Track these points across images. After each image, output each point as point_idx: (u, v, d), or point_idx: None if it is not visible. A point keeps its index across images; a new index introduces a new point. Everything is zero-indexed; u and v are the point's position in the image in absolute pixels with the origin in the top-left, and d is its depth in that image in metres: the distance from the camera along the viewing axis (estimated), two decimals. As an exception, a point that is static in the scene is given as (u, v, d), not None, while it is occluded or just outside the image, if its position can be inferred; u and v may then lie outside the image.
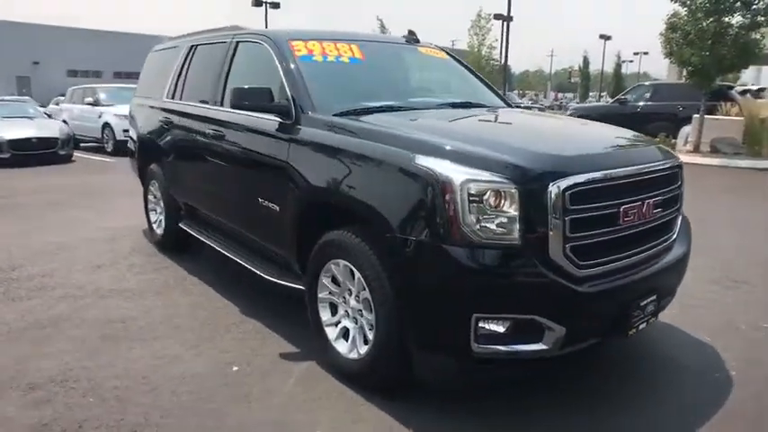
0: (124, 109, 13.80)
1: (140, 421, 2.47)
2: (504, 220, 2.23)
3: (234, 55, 3.86)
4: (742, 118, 12.67)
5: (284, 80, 3.22)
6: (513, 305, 2.25)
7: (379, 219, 2.44)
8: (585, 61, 62.43)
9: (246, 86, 3.16)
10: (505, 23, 34.19)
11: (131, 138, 5.56)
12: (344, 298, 2.82)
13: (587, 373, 2.93)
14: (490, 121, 3.34)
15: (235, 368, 2.96)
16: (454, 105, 3.55)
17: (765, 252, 5.23)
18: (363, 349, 2.68)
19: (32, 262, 4.71)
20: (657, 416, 2.55)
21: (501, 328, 2.28)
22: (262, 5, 37.13)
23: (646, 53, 64.84)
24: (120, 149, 12.95)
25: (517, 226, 2.22)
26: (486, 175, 2.23)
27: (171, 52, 5.04)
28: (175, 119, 4.44)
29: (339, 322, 2.87)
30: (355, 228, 2.65)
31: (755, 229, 6.23)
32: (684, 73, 12.97)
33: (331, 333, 2.89)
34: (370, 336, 2.62)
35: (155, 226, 5.17)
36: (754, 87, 18.94)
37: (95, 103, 14.19)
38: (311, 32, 3.65)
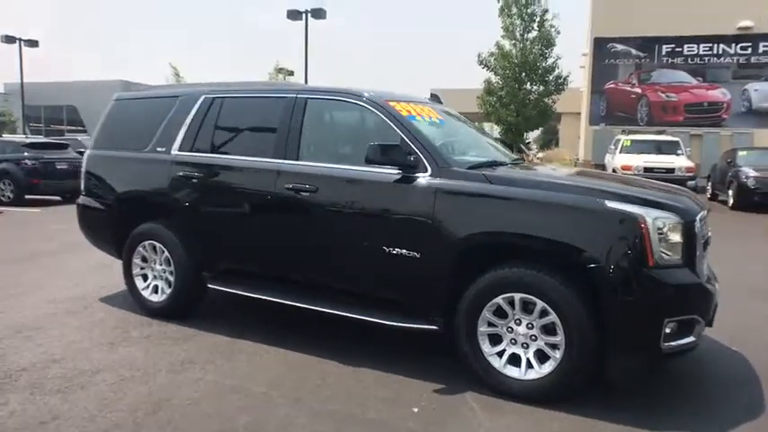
0: None
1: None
2: (674, 246, 2.97)
3: (304, 112, 3.93)
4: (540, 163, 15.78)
5: (406, 138, 3.50)
6: (688, 308, 3.00)
7: (577, 253, 2.96)
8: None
9: (384, 143, 3.38)
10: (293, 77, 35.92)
11: (97, 195, 4.89)
12: (510, 327, 3.21)
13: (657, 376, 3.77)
14: (596, 175, 4.12)
15: (415, 410, 3.08)
16: (515, 163, 4.20)
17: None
18: (546, 368, 3.10)
19: (5, 351, 3.84)
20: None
21: (671, 329, 2.98)
22: (15, 42, 32.56)
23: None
24: None
25: (681, 249, 2.99)
26: (663, 214, 2.96)
27: (159, 103, 4.71)
28: (211, 173, 4.19)
29: (504, 350, 3.24)
30: (530, 263, 3.11)
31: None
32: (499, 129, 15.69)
33: (496, 362, 3.23)
34: (557, 354, 3.06)
35: (146, 293, 4.61)
36: (527, 140, 23.51)
37: None
38: (388, 94, 3.97)
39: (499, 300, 3.18)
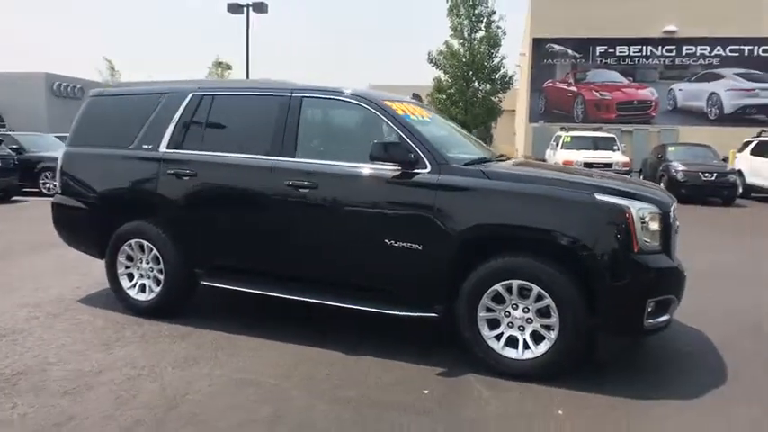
0: None
1: None
2: (653, 233, 3.32)
3: (300, 110, 4.03)
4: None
5: (405, 137, 3.69)
6: (667, 289, 3.37)
7: (571, 241, 3.25)
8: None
9: (387, 141, 3.56)
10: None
11: (76, 193, 4.76)
12: (507, 312, 3.47)
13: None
14: (578, 171, 4.44)
15: (425, 391, 3.28)
16: (499, 160, 4.47)
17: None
18: (541, 348, 3.39)
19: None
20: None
21: (651, 308, 3.33)
22: None
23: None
24: None
25: (659, 237, 3.35)
26: (645, 205, 3.31)
27: (142, 100, 4.67)
28: (205, 170, 4.21)
29: (502, 333, 3.49)
30: (526, 252, 3.38)
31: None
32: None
33: (495, 344, 3.48)
34: (552, 335, 3.35)
35: (133, 292, 4.56)
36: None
37: None
38: (383, 94, 4.13)
39: (498, 287, 3.43)
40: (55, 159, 13.72)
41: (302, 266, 4.03)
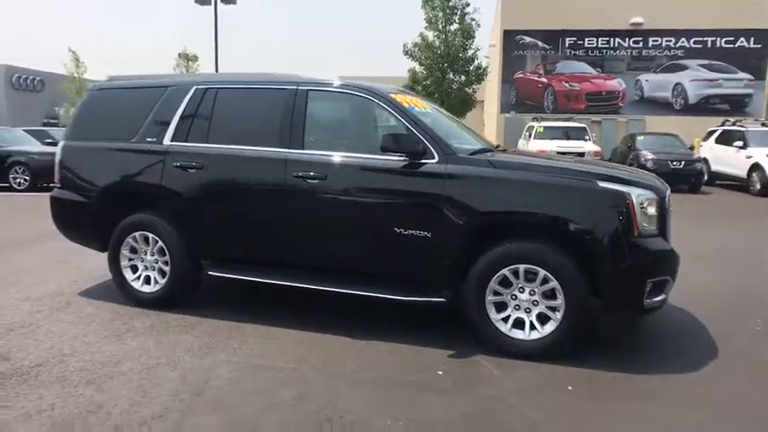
0: None
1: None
2: (651, 218, 3.54)
3: (306, 103, 4.10)
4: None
5: (413, 128, 3.81)
6: (664, 270, 3.59)
7: (576, 226, 3.44)
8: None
9: (396, 133, 3.68)
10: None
11: (77, 187, 4.73)
12: (514, 295, 3.65)
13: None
14: (576, 160, 4.64)
15: (439, 372, 3.44)
16: (500, 150, 4.64)
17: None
18: (547, 329, 3.58)
19: (8, 349, 3.73)
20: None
21: (650, 288, 3.56)
22: None
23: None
24: None
25: (656, 221, 3.57)
26: (643, 191, 3.52)
27: (143, 93, 4.67)
28: (212, 163, 4.25)
29: (509, 316, 3.67)
30: (532, 237, 3.56)
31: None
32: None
33: (503, 326, 3.66)
34: (558, 316, 3.54)
35: (137, 284, 4.58)
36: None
37: None
38: (388, 87, 4.24)
39: (505, 271, 3.60)
40: (24, 153, 13.58)
41: (310, 255, 4.13)
